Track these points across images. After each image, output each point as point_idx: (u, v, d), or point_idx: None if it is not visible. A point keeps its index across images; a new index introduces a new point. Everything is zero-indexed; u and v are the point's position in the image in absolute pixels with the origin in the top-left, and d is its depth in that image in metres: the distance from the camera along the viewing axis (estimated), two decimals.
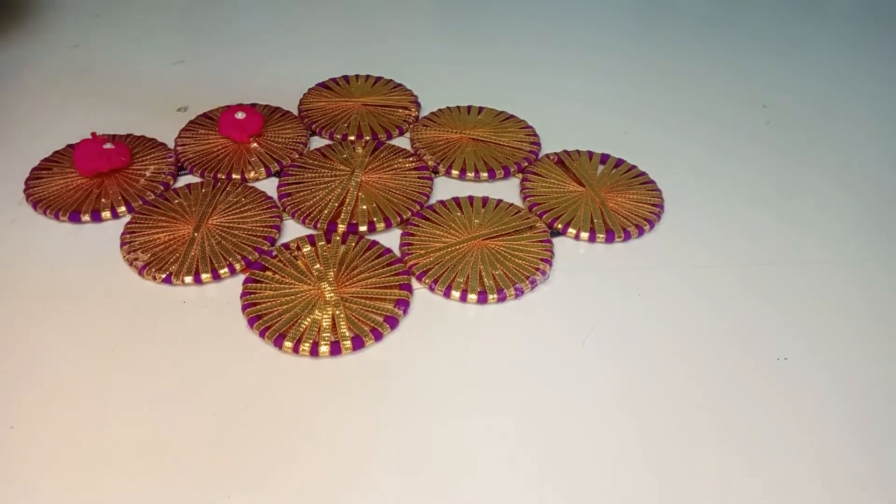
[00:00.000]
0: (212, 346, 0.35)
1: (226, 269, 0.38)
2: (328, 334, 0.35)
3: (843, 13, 0.69)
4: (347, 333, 0.35)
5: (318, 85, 0.53)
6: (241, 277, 0.38)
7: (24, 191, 0.43)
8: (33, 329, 0.35)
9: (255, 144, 0.47)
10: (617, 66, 0.60)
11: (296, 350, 0.35)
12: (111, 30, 0.60)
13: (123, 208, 0.42)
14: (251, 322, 0.36)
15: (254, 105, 0.50)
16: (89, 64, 0.55)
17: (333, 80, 0.54)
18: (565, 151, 0.48)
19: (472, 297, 0.38)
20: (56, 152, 0.46)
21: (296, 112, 0.51)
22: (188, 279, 0.38)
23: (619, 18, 0.67)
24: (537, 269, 0.39)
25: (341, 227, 0.41)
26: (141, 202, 0.42)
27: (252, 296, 0.37)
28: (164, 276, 0.38)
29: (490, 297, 0.38)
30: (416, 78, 0.55)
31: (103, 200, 0.42)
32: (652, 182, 0.46)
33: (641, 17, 0.68)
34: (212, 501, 0.29)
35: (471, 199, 0.44)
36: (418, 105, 0.52)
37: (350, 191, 0.43)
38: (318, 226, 0.41)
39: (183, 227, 0.41)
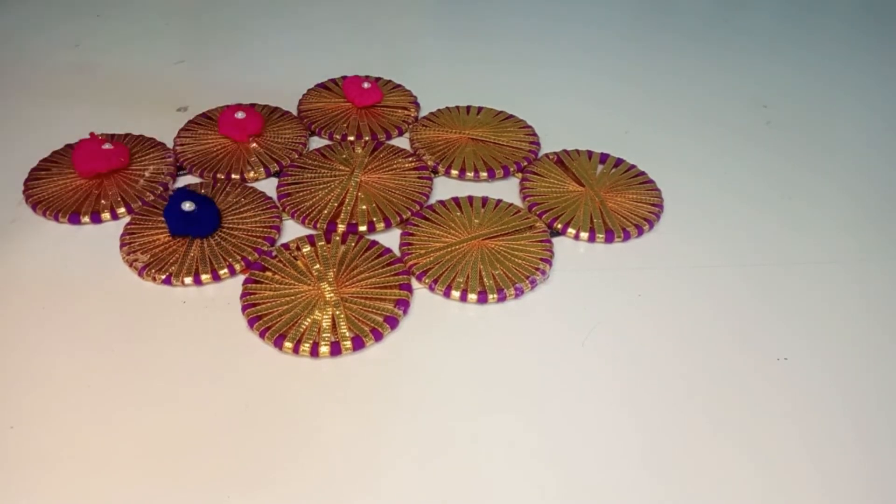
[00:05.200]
0: (212, 347, 0.35)
1: (225, 270, 0.38)
2: (328, 334, 0.35)
3: (843, 13, 0.69)
4: (347, 334, 0.35)
5: (318, 85, 0.53)
6: (241, 278, 0.38)
7: (24, 192, 0.43)
8: (33, 329, 0.35)
9: (254, 144, 0.47)
10: (617, 66, 0.60)
11: (296, 350, 0.35)
12: (111, 30, 0.60)
13: (123, 209, 0.42)
14: (251, 322, 0.36)
15: (253, 105, 0.50)
16: (89, 64, 0.55)
17: (333, 80, 0.54)
18: (565, 151, 0.48)
19: (473, 296, 0.38)
20: (55, 152, 0.45)
21: (295, 112, 0.51)
22: (188, 280, 0.38)
23: (619, 18, 0.67)
24: (537, 269, 0.39)
25: (341, 227, 0.41)
26: (140, 203, 0.42)
27: (252, 296, 0.37)
28: (163, 276, 0.38)
29: (490, 296, 0.38)
30: (415, 78, 0.54)
31: (103, 202, 0.42)
32: (651, 182, 0.46)
33: (641, 17, 0.68)
34: (212, 501, 0.29)
35: (470, 199, 0.44)
36: (417, 105, 0.52)
37: (350, 191, 0.43)
38: (318, 226, 0.41)
39: None
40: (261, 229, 0.41)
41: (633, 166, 0.47)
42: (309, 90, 0.53)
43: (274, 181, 0.45)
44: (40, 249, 0.40)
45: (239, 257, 0.39)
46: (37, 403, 0.32)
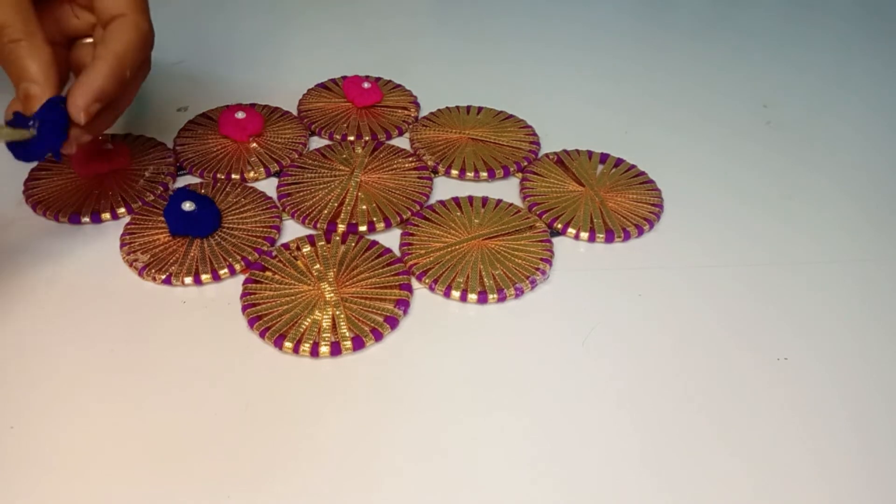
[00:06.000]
0: (212, 347, 0.35)
1: (225, 270, 0.38)
2: (328, 334, 0.35)
3: (843, 13, 0.69)
4: (347, 334, 0.35)
5: (318, 85, 0.53)
6: (241, 278, 0.38)
7: (24, 192, 0.43)
8: (33, 329, 0.35)
9: (254, 144, 0.47)
10: (617, 65, 0.60)
11: (296, 350, 0.35)
12: None
13: (123, 209, 0.42)
14: (251, 322, 0.36)
15: (253, 105, 0.50)
16: None
17: (333, 80, 0.54)
18: (565, 151, 0.48)
19: (473, 296, 0.38)
20: None
21: (295, 112, 0.51)
22: (188, 280, 0.38)
23: (619, 18, 0.67)
24: (537, 269, 0.39)
25: (341, 228, 0.41)
26: (140, 203, 0.42)
27: (252, 296, 0.37)
28: (163, 276, 0.38)
29: (490, 296, 0.38)
30: (415, 78, 0.55)
31: (103, 202, 0.42)
32: (651, 182, 0.46)
33: (641, 16, 0.68)
34: (212, 501, 0.29)
35: (470, 199, 0.44)
36: (417, 105, 0.52)
37: (350, 191, 0.43)
38: (318, 226, 0.41)
39: None
40: (261, 229, 0.41)
41: (633, 166, 0.47)
42: (309, 90, 0.53)
43: (274, 181, 0.45)
44: (40, 249, 0.40)
45: (239, 257, 0.39)
46: (37, 403, 0.32)
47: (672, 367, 0.35)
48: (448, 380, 0.34)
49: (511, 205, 0.43)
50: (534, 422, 0.33)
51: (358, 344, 0.35)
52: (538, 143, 0.49)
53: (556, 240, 0.42)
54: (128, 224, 0.41)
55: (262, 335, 0.35)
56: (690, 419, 0.33)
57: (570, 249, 0.42)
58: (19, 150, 0.35)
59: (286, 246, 0.40)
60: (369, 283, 0.38)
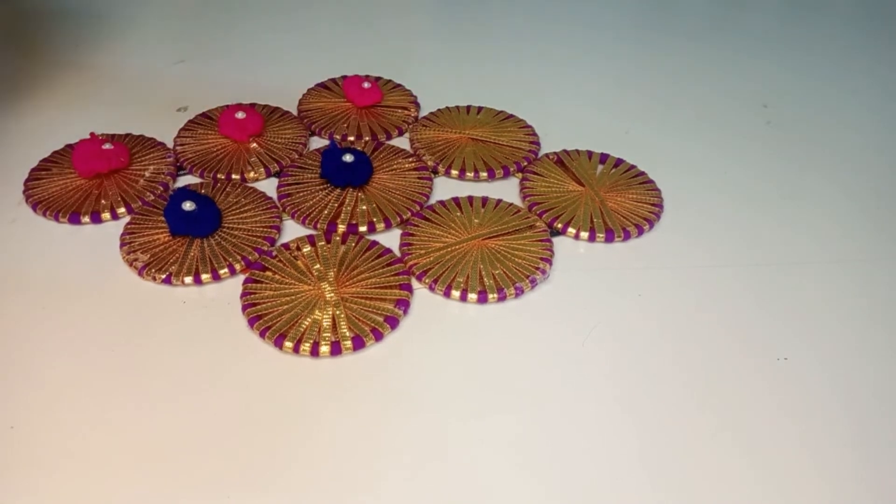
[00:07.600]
0: (212, 347, 0.35)
1: (226, 270, 0.38)
2: (328, 334, 0.35)
3: (843, 13, 0.69)
4: (348, 333, 0.35)
5: (318, 85, 0.53)
6: (241, 278, 0.38)
7: (24, 192, 0.43)
8: (33, 329, 0.35)
9: (254, 145, 0.47)
10: (617, 66, 0.60)
11: (296, 350, 0.35)
12: (111, 30, 0.60)
13: (123, 209, 0.42)
14: (251, 322, 0.36)
15: (253, 105, 0.50)
16: (89, 64, 0.55)
17: (333, 80, 0.54)
18: (565, 151, 0.48)
19: (473, 296, 0.38)
20: (55, 152, 0.45)
21: (295, 112, 0.51)
22: (188, 279, 0.38)
23: (620, 19, 0.67)
24: (537, 269, 0.39)
25: (341, 228, 0.41)
26: (140, 203, 0.42)
27: (252, 296, 0.37)
28: (163, 276, 0.38)
29: (490, 296, 0.38)
30: (415, 78, 0.55)
31: (103, 202, 0.42)
32: (651, 182, 0.46)
33: (642, 17, 0.68)
34: (212, 501, 0.29)
35: (470, 199, 0.44)
36: (418, 105, 0.52)
37: (350, 191, 0.43)
38: (318, 226, 0.41)
39: None
40: (261, 229, 0.41)
41: (633, 166, 0.47)
42: (309, 90, 0.53)
43: (274, 181, 0.45)
44: (40, 249, 0.40)
45: (239, 257, 0.39)
46: (37, 403, 0.32)
47: (672, 367, 0.35)
48: (448, 379, 0.34)
49: (511, 204, 0.43)
50: (534, 421, 0.33)
51: (358, 344, 0.35)
52: (538, 143, 0.49)
53: (556, 239, 0.42)
54: (128, 224, 0.41)
55: (262, 335, 0.35)
56: (690, 419, 0.33)
57: (570, 249, 0.42)
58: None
59: (286, 246, 0.40)
60: (369, 283, 0.38)
